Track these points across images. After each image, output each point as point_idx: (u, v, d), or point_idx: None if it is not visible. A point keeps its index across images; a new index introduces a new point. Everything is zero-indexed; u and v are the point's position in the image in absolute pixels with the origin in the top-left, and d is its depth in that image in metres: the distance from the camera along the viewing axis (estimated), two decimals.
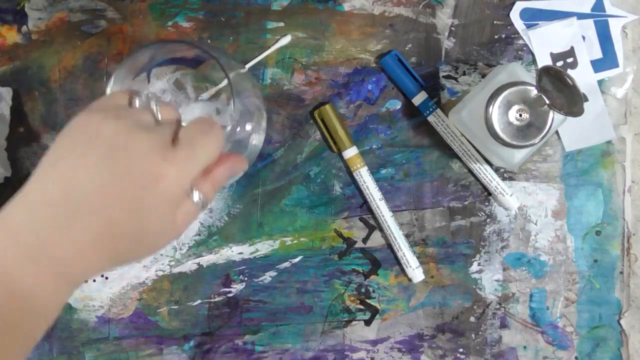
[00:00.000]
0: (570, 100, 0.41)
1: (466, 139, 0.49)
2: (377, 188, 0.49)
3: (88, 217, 0.30)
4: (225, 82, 0.46)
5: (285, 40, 0.49)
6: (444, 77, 0.50)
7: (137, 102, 0.34)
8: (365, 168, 0.49)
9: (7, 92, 0.49)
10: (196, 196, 0.34)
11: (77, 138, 0.32)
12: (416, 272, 0.49)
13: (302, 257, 0.50)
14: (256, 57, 0.50)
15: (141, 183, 0.31)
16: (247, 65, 0.49)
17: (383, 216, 0.49)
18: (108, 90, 0.40)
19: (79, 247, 0.30)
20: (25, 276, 0.29)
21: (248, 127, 0.44)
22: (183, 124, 0.36)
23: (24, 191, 0.31)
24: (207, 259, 0.50)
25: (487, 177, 0.49)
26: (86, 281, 0.50)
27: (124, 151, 0.31)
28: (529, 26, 0.50)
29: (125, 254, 0.32)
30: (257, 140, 0.47)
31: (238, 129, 0.41)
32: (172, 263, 0.50)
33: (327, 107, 0.49)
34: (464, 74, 0.50)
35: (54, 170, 0.31)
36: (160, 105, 0.35)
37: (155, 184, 0.31)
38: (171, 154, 0.32)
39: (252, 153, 0.47)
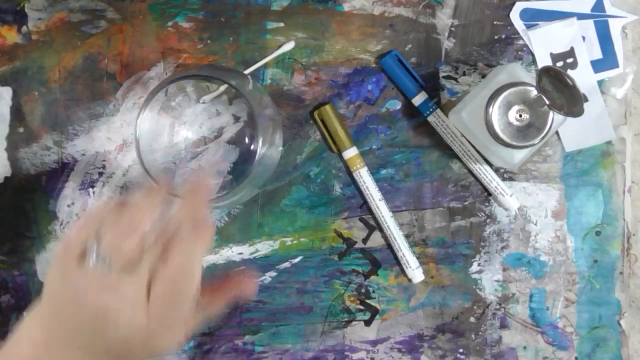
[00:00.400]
0: (570, 100, 0.41)
1: (466, 139, 0.49)
2: (377, 188, 0.49)
3: (99, 351, 0.34)
4: (223, 87, 0.46)
5: (289, 46, 0.49)
6: (444, 77, 0.50)
7: (90, 262, 0.34)
8: (365, 168, 0.49)
9: (6, 92, 0.49)
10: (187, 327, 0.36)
11: (67, 300, 0.34)
12: (416, 272, 0.49)
13: (302, 257, 0.50)
14: (257, 62, 0.50)
15: (136, 345, 0.34)
16: (247, 71, 0.49)
17: (383, 216, 0.49)
18: (140, 118, 0.43)
19: None
20: None
21: (263, 144, 0.44)
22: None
23: (41, 314, 0.35)
24: (207, 259, 0.50)
25: (487, 177, 0.49)
26: None
27: (112, 320, 0.33)
28: (529, 26, 0.50)
29: None
30: (274, 153, 0.47)
31: (255, 149, 0.42)
32: None
33: (327, 107, 0.49)
34: (464, 74, 0.50)
35: (53, 334, 0.34)
36: (114, 252, 0.34)
37: (147, 343, 0.34)
38: (153, 317, 0.34)
39: (268, 168, 0.47)
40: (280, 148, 0.48)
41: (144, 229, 0.34)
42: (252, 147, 0.43)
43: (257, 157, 0.42)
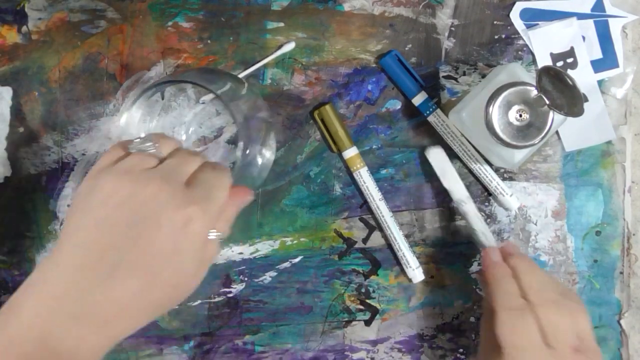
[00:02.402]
0: (570, 100, 0.41)
1: (466, 139, 0.49)
2: (377, 188, 0.49)
3: (127, 275, 0.31)
4: (224, 88, 0.46)
5: (289, 47, 0.49)
6: (444, 77, 0.50)
7: (134, 149, 0.34)
8: (365, 168, 0.49)
9: (7, 92, 0.49)
10: (213, 235, 0.35)
11: (96, 201, 0.32)
12: (416, 272, 0.49)
13: (302, 257, 0.50)
14: (256, 62, 0.50)
15: (173, 231, 0.32)
16: (244, 73, 0.49)
17: (383, 216, 0.49)
18: (123, 119, 0.42)
19: (120, 306, 0.31)
20: (69, 337, 0.31)
21: (255, 146, 0.44)
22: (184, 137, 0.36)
23: (56, 255, 0.32)
24: None
25: (487, 177, 0.49)
26: None
27: (148, 206, 0.32)
28: (529, 26, 0.50)
29: (163, 302, 0.33)
30: (267, 155, 0.47)
31: (247, 152, 0.42)
32: None
33: (327, 107, 0.49)
34: (464, 74, 0.50)
35: (83, 234, 0.32)
36: (158, 140, 0.35)
37: (185, 227, 0.32)
38: (191, 197, 0.33)
39: (263, 169, 0.47)
40: (274, 150, 0.48)
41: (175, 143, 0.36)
42: (247, 150, 0.43)
43: (239, 160, 0.41)
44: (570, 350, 0.39)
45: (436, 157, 0.49)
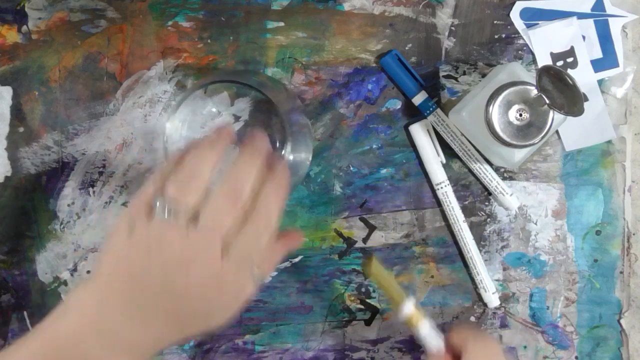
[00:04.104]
0: (571, 100, 0.41)
1: (466, 138, 0.49)
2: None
3: (161, 314, 0.33)
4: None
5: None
6: (444, 76, 0.50)
7: (158, 217, 0.33)
8: (425, 320, 0.42)
9: (7, 92, 0.49)
10: (256, 277, 0.35)
11: (128, 263, 0.34)
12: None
13: (302, 256, 0.50)
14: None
15: (208, 290, 0.33)
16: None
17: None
18: (167, 126, 0.42)
19: (152, 334, 0.34)
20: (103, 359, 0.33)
21: (301, 153, 0.44)
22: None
23: (95, 283, 0.34)
24: None
25: (487, 176, 0.49)
26: None
27: (182, 277, 0.33)
28: (529, 26, 0.50)
29: (194, 330, 0.35)
30: (305, 158, 0.47)
31: (291, 158, 0.42)
32: None
33: (374, 260, 0.43)
34: (464, 73, 0.50)
35: (120, 270, 0.34)
36: (188, 179, 0.34)
37: (219, 290, 0.34)
38: (227, 270, 0.33)
39: (302, 171, 0.47)
40: (311, 149, 0.48)
41: (206, 179, 0.34)
42: (282, 152, 0.42)
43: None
44: None
45: (418, 132, 0.49)
